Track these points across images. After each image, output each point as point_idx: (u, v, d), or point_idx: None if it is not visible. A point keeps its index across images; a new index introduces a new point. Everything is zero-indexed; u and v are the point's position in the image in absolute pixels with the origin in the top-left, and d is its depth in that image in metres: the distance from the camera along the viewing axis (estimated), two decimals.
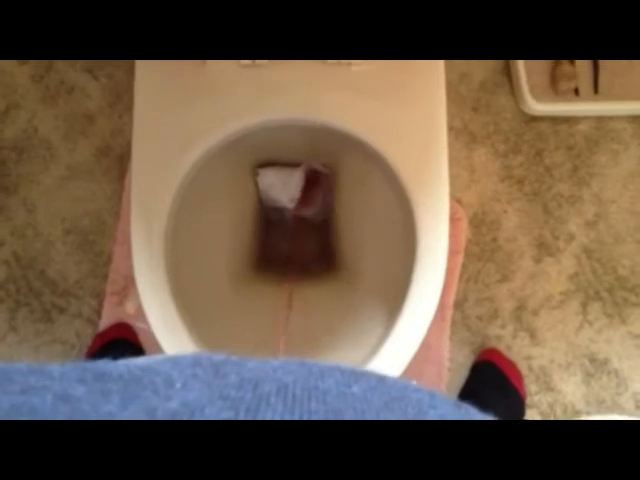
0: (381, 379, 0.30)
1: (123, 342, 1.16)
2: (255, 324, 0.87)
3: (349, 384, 0.28)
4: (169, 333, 0.72)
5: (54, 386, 0.23)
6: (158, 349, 0.73)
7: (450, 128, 1.24)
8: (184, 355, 0.29)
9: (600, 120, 1.28)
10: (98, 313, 1.22)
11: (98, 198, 1.25)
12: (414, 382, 0.31)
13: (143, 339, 1.19)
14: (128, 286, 1.21)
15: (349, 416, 0.24)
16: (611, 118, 1.28)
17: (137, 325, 1.20)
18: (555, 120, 1.28)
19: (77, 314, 1.23)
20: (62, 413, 0.21)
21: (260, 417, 0.22)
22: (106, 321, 1.21)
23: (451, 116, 1.25)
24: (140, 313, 1.19)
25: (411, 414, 0.26)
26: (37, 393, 0.22)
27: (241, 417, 0.22)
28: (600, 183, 1.27)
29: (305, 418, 0.23)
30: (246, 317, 0.88)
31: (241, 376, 0.26)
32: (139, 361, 0.28)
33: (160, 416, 0.22)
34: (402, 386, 0.29)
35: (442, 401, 0.28)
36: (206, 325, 0.76)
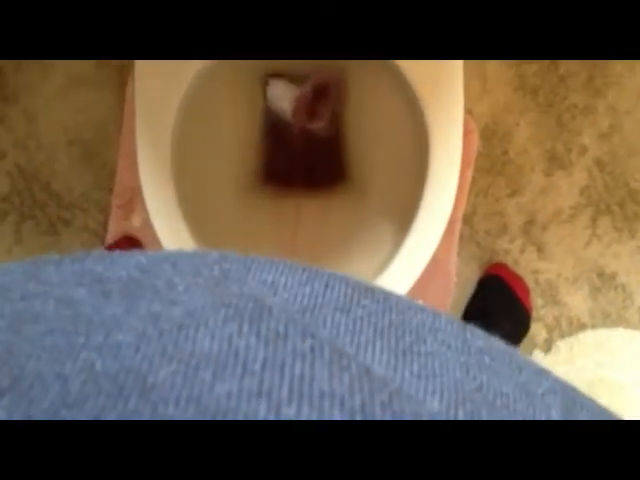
0: (386, 297, 0.29)
1: None
2: (262, 237, 0.86)
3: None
4: (176, 243, 0.72)
5: (54, 291, 0.23)
6: None
7: None
8: (184, 258, 0.28)
9: None
10: (104, 226, 1.22)
11: (100, 108, 1.23)
12: (420, 302, 0.31)
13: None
14: (134, 199, 1.20)
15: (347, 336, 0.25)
16: None
17: (144, 238, 1.20)
18: None
19: (83, 227, 1.23)
20: (65, 317, 0.21)
21: (264, 327, 0.22)
22: (112, 234, 1.20)
23: None
24: (147, 226, 1.19)
25: (408, 341, 0.26)
26: (38, 297, 0.22)
27: (245, 328, 0.21)
28: (616, 94, 1.23)
29: (307, 330, 0.23)
30: (253, 230, 0.88)
31: (242, 290, 0.26)
32: (141, 259, 0.27)
33: (164, 324, 0.21)
34: (405, 307, 0.29)
35: (446, 322, 0.28)
36: (213, 236, 0.76)
